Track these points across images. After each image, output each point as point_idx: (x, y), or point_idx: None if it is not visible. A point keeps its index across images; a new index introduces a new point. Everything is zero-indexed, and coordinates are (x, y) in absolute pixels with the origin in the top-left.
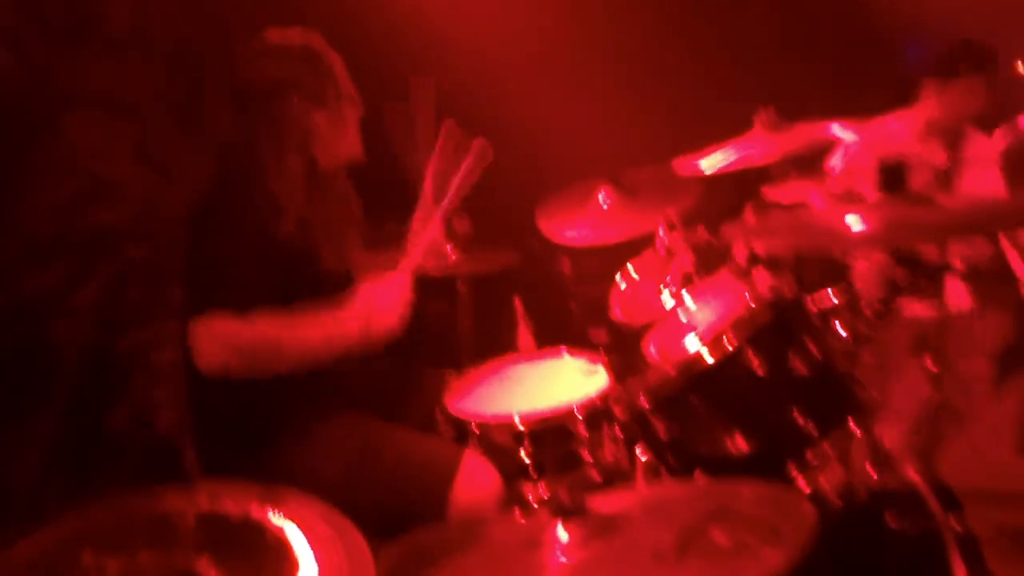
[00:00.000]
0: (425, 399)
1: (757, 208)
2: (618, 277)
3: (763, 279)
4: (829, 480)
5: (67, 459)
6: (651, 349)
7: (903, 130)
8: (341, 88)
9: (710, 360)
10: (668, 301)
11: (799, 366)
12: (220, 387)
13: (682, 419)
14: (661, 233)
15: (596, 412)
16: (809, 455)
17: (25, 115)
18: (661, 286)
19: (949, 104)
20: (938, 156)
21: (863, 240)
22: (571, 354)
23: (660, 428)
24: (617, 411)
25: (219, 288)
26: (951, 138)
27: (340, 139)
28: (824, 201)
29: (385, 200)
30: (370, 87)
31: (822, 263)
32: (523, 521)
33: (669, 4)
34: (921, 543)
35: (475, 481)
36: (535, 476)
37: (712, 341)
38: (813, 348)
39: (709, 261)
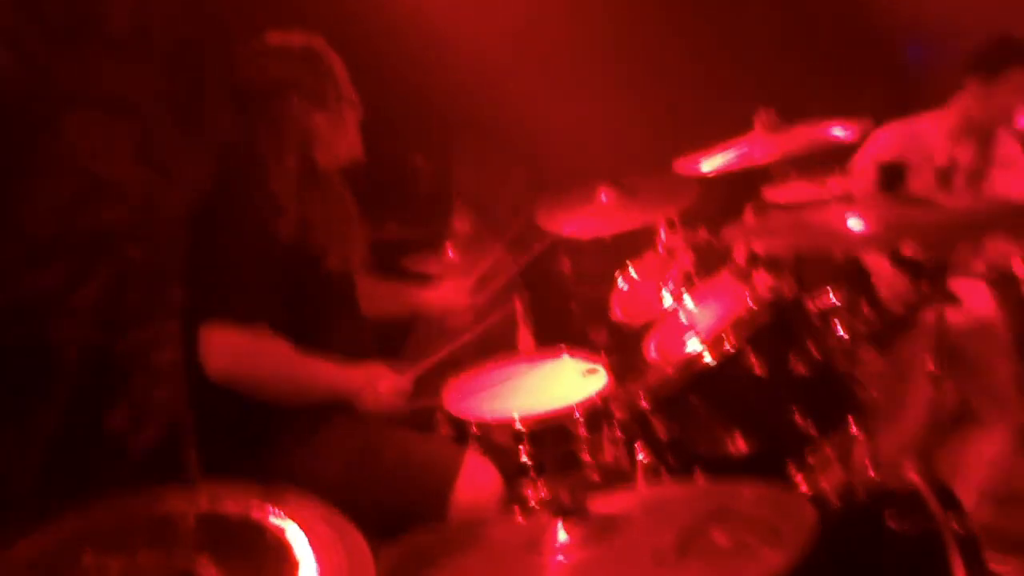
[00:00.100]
0: (425, 399)
1: (757, 208)
2: (618, 277)
3: (763, 279)
4: (829, 480)
5: (67, 459)
6: (651, 349)
7: (935, 130)
8: (341, 89)
9: (710, 360)
10: (668, 302)
11: (799, 366)
12: (221, 388)
13: (682, 419)
14: (661, 234)
15: (596, 412)
16: (809, 455)
17: (25, 115)
18: (661, 287)
19: (993, 102)
20: (968, 157)
21: (863, 240)
22: (571, 354)
23: (660, 428)
24: (617, 411)
25: (219, 288)
26: (983, 138)
27: (340, 140)
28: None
29: (385, 200)
30: (370, 87)
31: (822, 263)
32: (523, 521)
33: (669, 4)
34: (921, 543)
35: (476, 481)
36: (535, 476)
37: (712, 341)
38: (813, 348)
39: (709, 261)
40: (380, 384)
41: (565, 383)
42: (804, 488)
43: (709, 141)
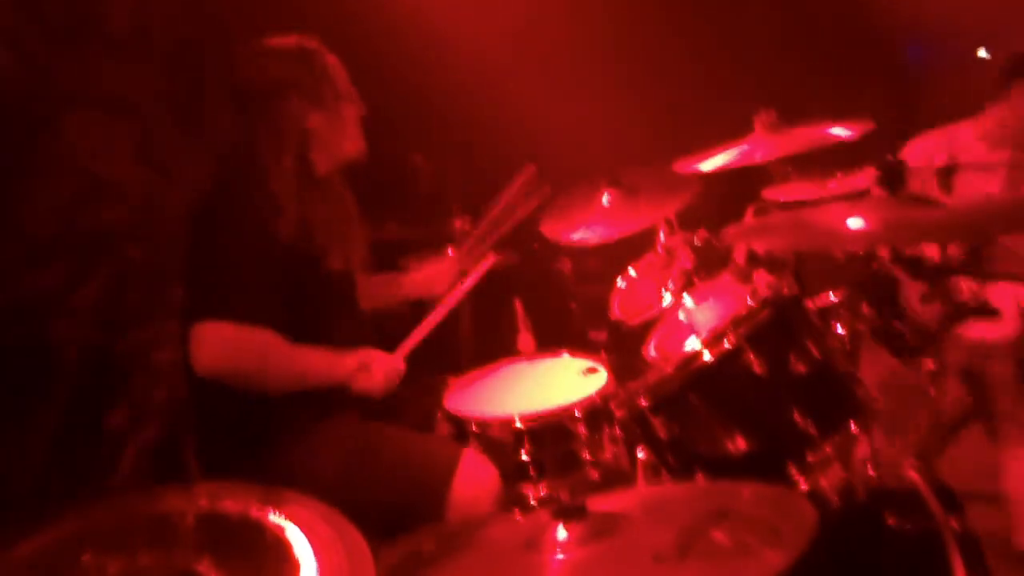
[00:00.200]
0: (425, 400)
1: (757, 208)
2: (618, 277)
3: (763, 279)
4: (829, 480)
5: (67, 459)
6: (651, 349)
7: (971, 135)
8: (339, 88)
9: (710, 360)
10: (668, 301)
11: (799, 366)
12: (221, 388)
13: (682, 419)
14: (661, 234)
15: (596, 412)
16: (809, 455)
17: (25, 115)
18: (661, 286)
19: None
20: (1003, 160)
21: (863, 240)
22: (571, 354)
23: (660, 428)
24: (617, 411)
25: (219, 288)
26: (1020, 142)
27: (339, 139)
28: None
29: (385, 200)
30: (370, 87)
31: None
32: (523, 520)
33: (669, 4)
34: (921, 543)
35: (474, 478)
36: (535, 476)
37: (712, 341)
38: (813, 348)
39: (709, 261)
40: (374, 366)
41: (565, 383)
42: (804, 488)
43: (709, 141)
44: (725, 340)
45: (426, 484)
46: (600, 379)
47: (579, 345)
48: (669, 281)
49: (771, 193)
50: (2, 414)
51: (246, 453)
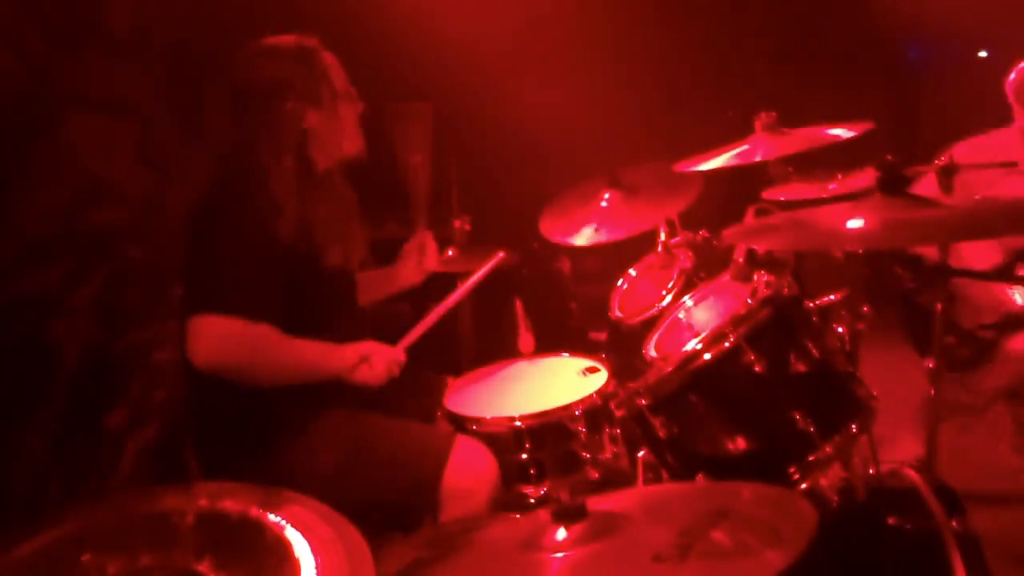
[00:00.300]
0: (424, 401)
1: (757, 209)
2: (618, 277)
3: (763, 279)
4: (829, 480)
5: (67, 459)
6: (651, 349)
7: (1011, 140)
8: (337, 87)
9: (710, 360)
10: (668, 301)
11: (799, 366)
12: (220, 386)
13: (682, 419)
14: (661, 234)
15: (596, 412)
16: (809, 455)
17: (25, 115)
18: (661, 287)
19: None
20: None
21: (863, 239)
22: (571, 354)
23: (660, 428)
24: (617, 411)
25: (218, 286)
26: None
27: (338, 138)
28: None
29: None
30: (370, 87)
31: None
32: (522, 520)
33: (670, 5)
34: (921, 543)
35: (469, 464)
36: (535, 476)
37: (712, 341)
38: (813, 348)
39: (709, 261)
40: (375, 358)
41: (565, 383)
42: (804, 488)
43: (710, 142)
44: (725, 340)
45: (420, 472)
46: (600, 379)
47: (579, 345)
48: (669, 281)
49: (771, 193)
50: (2, 414)
51: (245, 452)
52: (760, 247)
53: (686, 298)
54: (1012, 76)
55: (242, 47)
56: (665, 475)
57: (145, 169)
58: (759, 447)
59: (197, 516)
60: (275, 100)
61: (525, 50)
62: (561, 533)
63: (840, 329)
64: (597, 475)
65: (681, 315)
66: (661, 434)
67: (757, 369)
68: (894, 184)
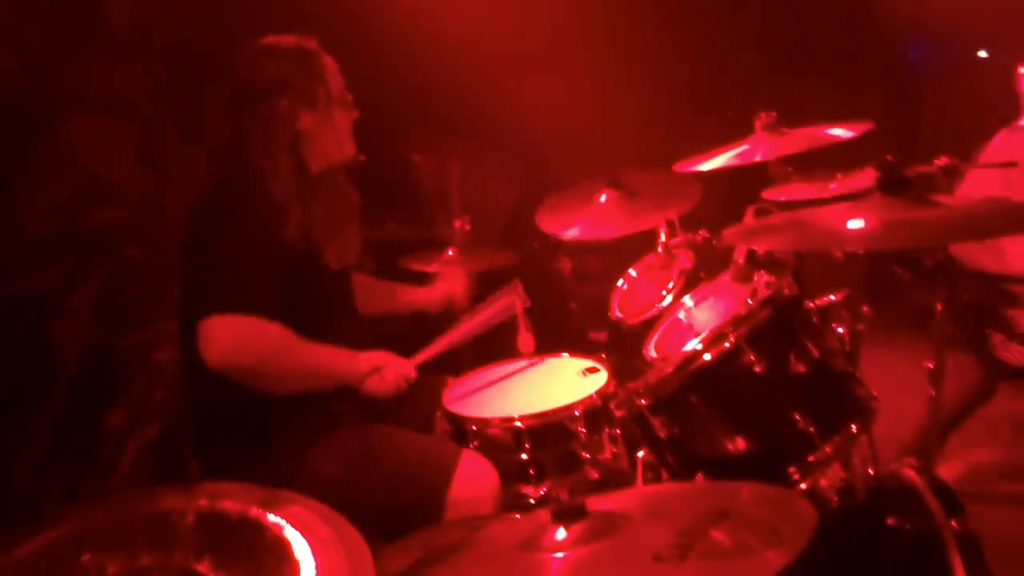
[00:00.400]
0: (424, 401)
1: (757, 209)
2: (618, 277)
3: (763, 279)
4: (829, 480)
5: (67, 459)
6: (651, 349)
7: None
8: (333, 91)
9: (710, 360)
10: (668, 301)
11: (799, 366)
12: (220, 388)
13: (682, 419)
14: (661, 234)
15: (596, 412)
16: (809, 455)
17: (25, 115)
18: (661, 287)
19: None
20: None
21: (863, 239)
22: (571, 354)
23: (660, 428)
24: (617, 411)
25: (220, 289)
26: None
27: (329, 142)
28: None
29: (385, 200)
30: (370, 88)
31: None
32: (522, 520)
33: (670, 5)
34: (920, 543)
35: (473, 479)
36: (535, 476)
37: (712, 341)
38: (813, 348)
39: (709, 262)
40: (387, 370)
41: (565, 383)
42: (804, 488)
43: (710, 143)
44: (725, 340)
45: (426, 486)
46: (600, 379)
47: (579, 345)
48: (669, 281)
49: (771, 193)
50: (2, 414)
51: (246, 454)
52: (760, 247)
53: (686, 298)
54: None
55: (242, 47)
56: (665, 475)
57: (145, 169)
58: (759, 447)
59: (197, 516)
60: (271, 99)
61: (525, 50)
62: (561, 533)
63: (840, 329)
64: (597, 475)
65: (681, 315)
66: (661, 434)
67: (757, 369)
68: (894, 184)
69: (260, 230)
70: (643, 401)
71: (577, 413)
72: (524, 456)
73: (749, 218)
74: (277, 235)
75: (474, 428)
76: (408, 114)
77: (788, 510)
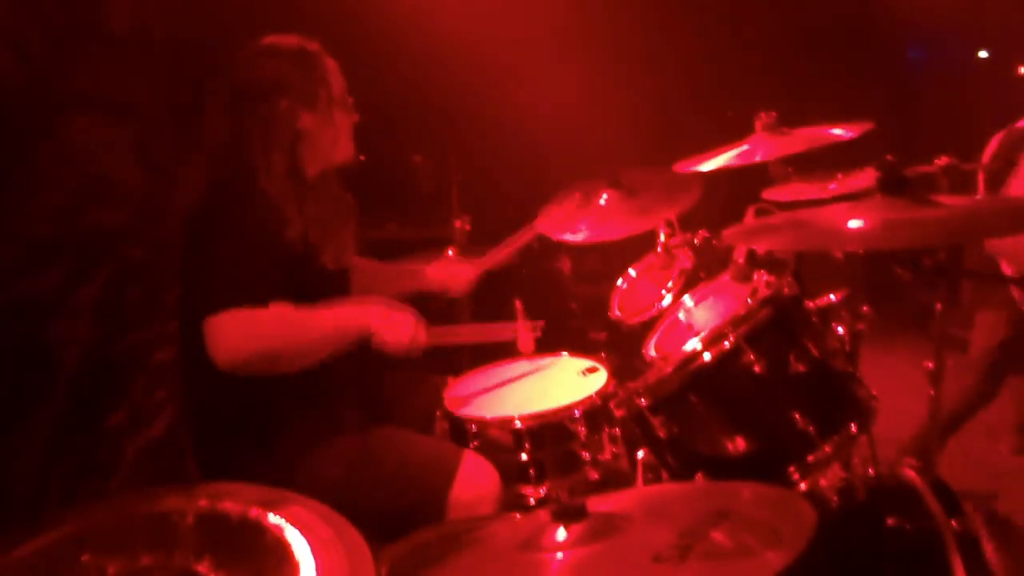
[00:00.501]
0: (424, 401)
1: (757, 209)
2: (618, 277)
3: (763, 279)
4: (829, 480)
5: (67, 459)
6: (651, 349)
7: None
8: (334, 93)
9: (710, 360)
10: (668, 301)
11: (799, 366)
12: (221, 387)
13: (682, 419)
14: (661, 234)
15: (596, 412)
16: (809, 455)
17: (25, 115)
18: (661, 287)
19: None
20: None
21: (863, 239)
22: (571, 354)
23: (660, 428)
24: (617, 411)
25: (220, 289)
26: None
27: (329, 144)
28: None
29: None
30: (370, 87)
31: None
32: (522, 521)
33: (670, 6)
34: (920, 543)
35: (474, 480)
36: (535, 476)
37: (712, 341)
38: (813, 348)
39: (709, 262)
40: (397, 316)
41: (565, 383)
42: (804, 488)
43: (710, 143)
44: (725, 340)
45: (427, 488)
46: (600, 379)
47: (579, 345)
48: (669, 281)
49: (771, 193)
50: (2, 414)
51: (246, 454)
52: (760, 247)
53: (686, 298)
54: None
55: (242, 47)
56: (665, 475)
57: (145, 169)
58: (759, 447)
59: (197, 516)
60: (271, 98)
61: (525, 50)
62: (561, 533)
63: (840, 329)
64: (597, 475)
65: (681, 315)
66: (661, 434)
67: (757, 369)
68: (894, 184)
69: (260, 230)
70: (643, 401)
71: (577, 413)
72: (524, 456)
73: (749, 218)
74: (277, 235)
75: (474, 428)
76: (408, 114)
77: (788, 510)
